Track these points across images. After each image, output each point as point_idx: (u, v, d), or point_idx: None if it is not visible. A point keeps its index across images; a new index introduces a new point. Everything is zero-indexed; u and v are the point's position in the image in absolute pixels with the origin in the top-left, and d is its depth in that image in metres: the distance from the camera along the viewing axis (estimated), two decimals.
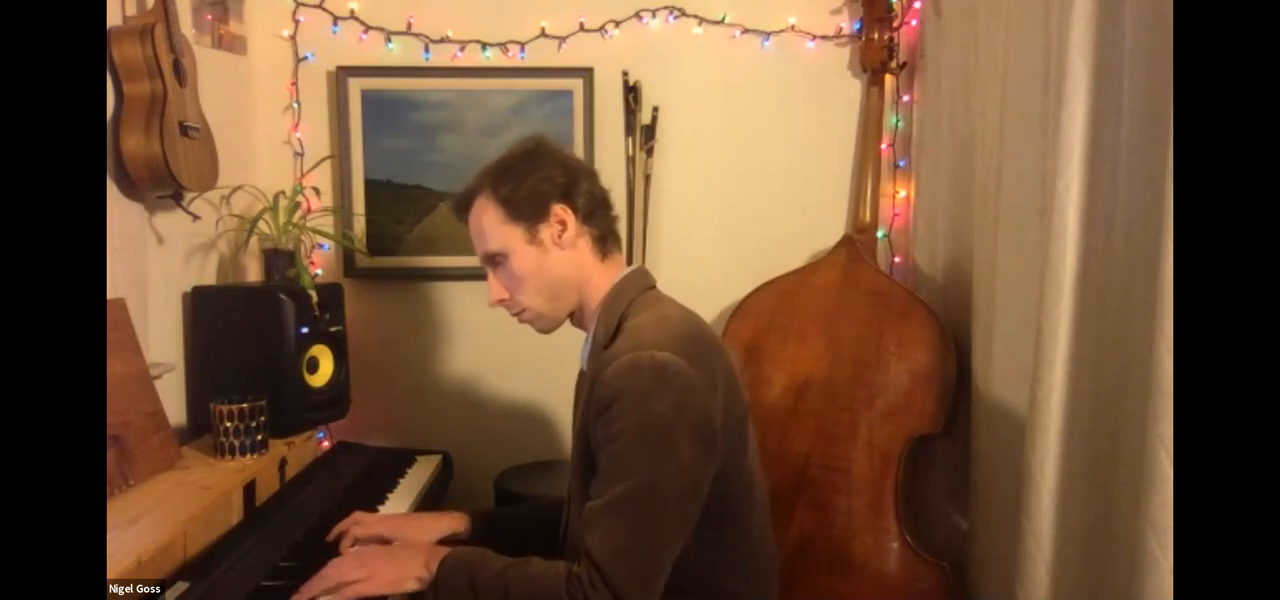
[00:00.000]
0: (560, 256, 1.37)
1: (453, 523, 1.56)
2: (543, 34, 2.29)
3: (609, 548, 1.18)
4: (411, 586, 1.30)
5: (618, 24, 2.29)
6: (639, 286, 1.41)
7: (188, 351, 1.96)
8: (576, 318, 1.44)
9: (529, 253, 1.37)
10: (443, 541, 1.51)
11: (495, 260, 1.40)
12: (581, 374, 1.50)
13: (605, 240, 1.41)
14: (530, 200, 1.36)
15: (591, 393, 1.28)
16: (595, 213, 1.40)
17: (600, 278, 1.40)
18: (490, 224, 1.38)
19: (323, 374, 2.00)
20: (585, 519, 1.23)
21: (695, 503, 1.25)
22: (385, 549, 1.43)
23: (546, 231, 1.36)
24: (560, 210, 1.36)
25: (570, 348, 1.49)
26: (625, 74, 2.29)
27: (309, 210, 2.20)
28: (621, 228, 1.49)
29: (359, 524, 1.51)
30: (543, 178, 1.37)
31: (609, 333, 1.34)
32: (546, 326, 1.44)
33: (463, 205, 1.42)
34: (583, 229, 1.38)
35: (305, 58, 2.29)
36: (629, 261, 1.72)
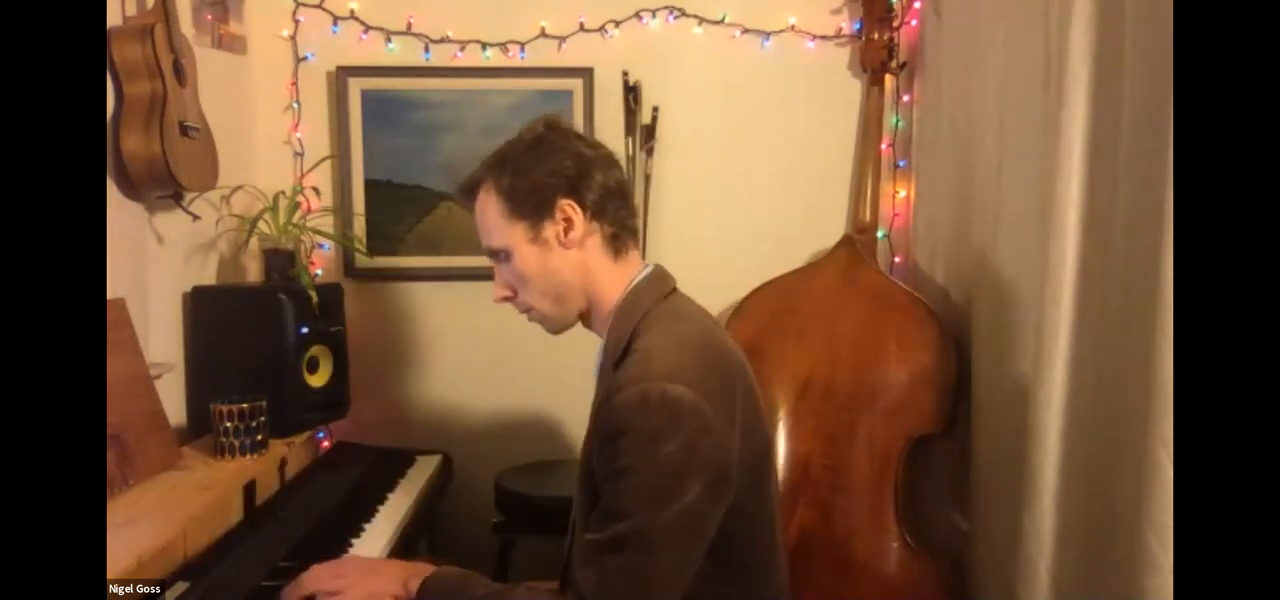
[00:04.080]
0: (566, 257, 1.26)
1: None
2: (543, 34, 2.29)
3: (601, 591, 1.10)
4: None
5: (618, 24, 2.29)
6: (656, 294, 1.28)
7: (188, 351, 1.96)
8: (588, 321, 1.33)
9: (531, 252, 1.26)
10: None
11: (498, 256, 1.29)
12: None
13: (618, 237, 1.28)
14: (532, 196, 1.24)
15: (596, 419, 1.17)
16: (607, 207, 1.27)
17: (612, 281, 1.28)
18: (492, 219, 1.27)
19: (322, 374, 2.00)
20: (581, 552, 1.15)
21: (698, 548, 1.15)
22: (366, 562, 1.40)
23: (551, 230, 1.25)
24: (567, 207, 1.24)
25: (571, 347, 1.45)
26: (625, 74, 2.29)
27: (309, 210, 2.20)
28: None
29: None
30: (548, 171, 1.24)
31: (619, 348, 1.22)
32: (555, 328, 1.33)
33: (467, 193, 1.32)
34: (592, 226, 1.26)
35: (305, 58, 2.29)
36: None
